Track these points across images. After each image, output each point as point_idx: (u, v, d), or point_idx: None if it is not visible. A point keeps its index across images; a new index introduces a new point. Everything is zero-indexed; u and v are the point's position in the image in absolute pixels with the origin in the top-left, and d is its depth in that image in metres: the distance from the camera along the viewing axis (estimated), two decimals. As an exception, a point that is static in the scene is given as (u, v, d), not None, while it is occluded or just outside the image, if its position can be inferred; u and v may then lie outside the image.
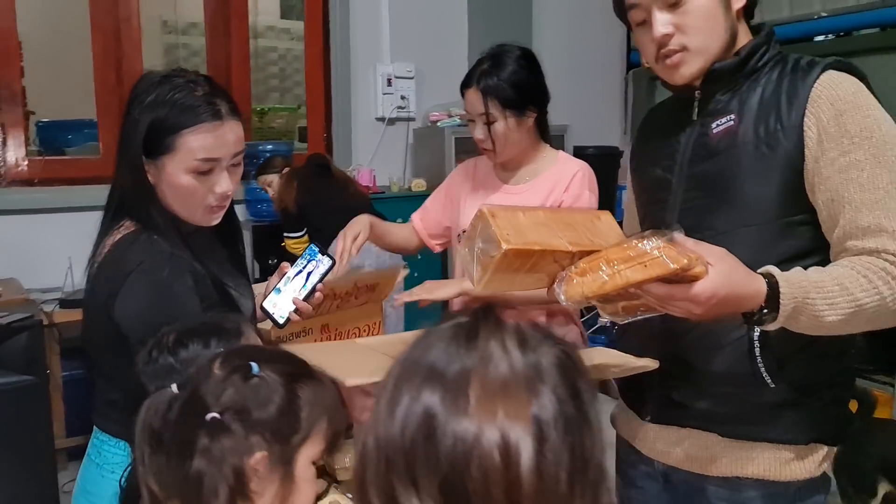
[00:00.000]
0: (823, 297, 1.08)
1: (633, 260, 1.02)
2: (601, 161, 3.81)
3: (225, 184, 1.31)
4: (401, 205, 3.88)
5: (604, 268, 1.04)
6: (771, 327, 1.10)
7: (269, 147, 3.80)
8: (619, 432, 1.46)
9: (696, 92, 1.28)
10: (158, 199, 1.30)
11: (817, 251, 1.20)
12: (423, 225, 2.09)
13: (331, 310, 1.65)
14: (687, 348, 1.27)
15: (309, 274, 1.46)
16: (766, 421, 1.24)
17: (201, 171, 1.28)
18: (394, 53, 4.24)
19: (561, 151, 1.96)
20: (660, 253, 1.01)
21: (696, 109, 1.29)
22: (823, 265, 1.15)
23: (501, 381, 0.57)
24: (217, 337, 1.05)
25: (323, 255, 1.46)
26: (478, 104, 1.82)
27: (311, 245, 1.49)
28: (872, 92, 1.19)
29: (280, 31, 7.06)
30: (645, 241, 1.03)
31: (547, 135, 1.95)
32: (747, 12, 1.27)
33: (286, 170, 3.48)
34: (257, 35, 7.05)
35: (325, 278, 1.46)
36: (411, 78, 4.26)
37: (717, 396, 1.26)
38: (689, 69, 1.24)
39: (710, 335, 1.24)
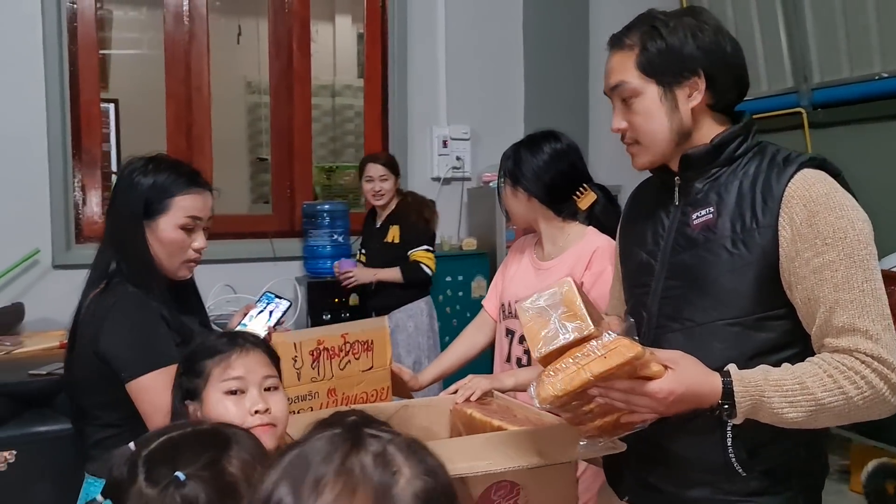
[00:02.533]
0: (782, 395, 1.12)
1: (591, 355, 1.09)
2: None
3: (201, 241, 1.63)
4: (451, 263, 3.98)
5: (570, 364, 1.11)
6: (735, 421, 1.15)
7: (327, 206, 3.96)
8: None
9: (676, 178, 1.33)
10: (151, 255, 1.57)
11: (794, 343, 1.22)
12: (490, 306, 2.17)
13: (332, 370, 1.74)
14: (663, 433, 1.29)
15: (271, 312, 1.71)
16: None
17: (188, 227, 1.59)
18: (450, 116, 4.38)
19: (590, 228, 1.97)
20: (616, 344, 1.08)
21: (677, 195, 1.33)
22: (801, 358, 1.18)
23: (349, 494, 0.61)
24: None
25: (280, 298, 1.71)
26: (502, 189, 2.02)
27: (267, 292, 1.75)
28: (847, 187, 1.22)
29: (357, 90, 7.34)
30: (602, 337, 1.11)
31: (576, 213, 2.00)
32: (721, 107, 1.30)
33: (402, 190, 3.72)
34: (335, 94, 7.36)
35: (284, 317, 1.72)
36: (467, 139, 4.38)
37: (690, 482, 1.28)
38: (640, 160, 1.34)
39: (686, 423, 1.26)
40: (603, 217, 1.96)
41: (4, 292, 3.48)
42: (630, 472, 1.38)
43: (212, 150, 3.96)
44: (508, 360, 1.99)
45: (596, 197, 1.94)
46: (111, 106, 6.39)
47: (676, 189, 1.33)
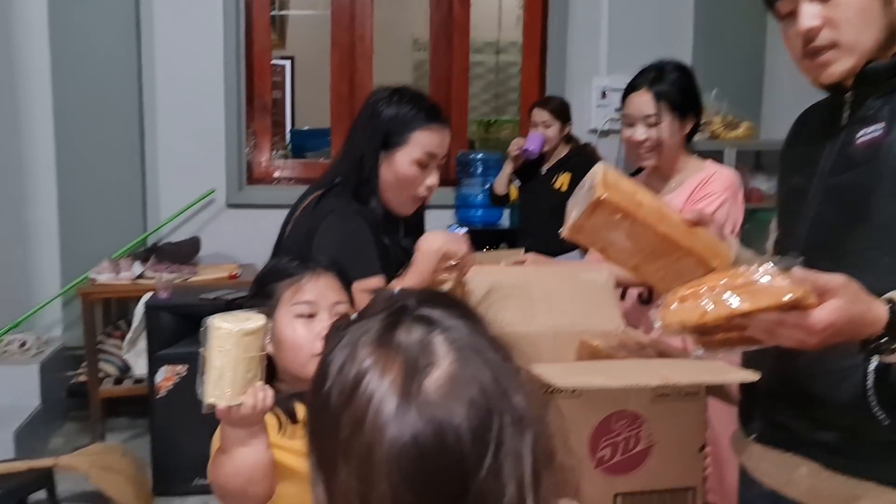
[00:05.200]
0: None
1: (739, 288, 0.98)
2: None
3: (434, 178, 1.62)
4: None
5: (706, 295, 1.00)
6: (890, 359, 1.01)
7: (481, 155, 3.98)
8: (732, 447, 1.39)
9: (847, 94, 1.18)
10: (378, 185, 1.61)
11: None
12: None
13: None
14: (798, 369, 1.18)
15: None
16: (875, 459, 1.12)
17: (423, 163, 1.59)
18: (611, 66, 4.22)
19: (709, 160, 1.95)
20: (771, 282, 0.95)
21: (847, 114, 1.18)
22: None
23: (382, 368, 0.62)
24: None
25: (459, 228, 1.81)
26: (647, 106, 1.90)
27: (453, 225, 1.70)
28: None
29: (522, 48, 7.29)
30: (754, 269, 0.98)
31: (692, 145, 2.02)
32: None
33: (574, 142, 3.62)
34: (499, 50, 7.35)
35: None
36: (628, 90, 4.22)
37: (823, 425, 1.16)
38: (837, 68, 1.14)
39: (824, 360, 1.14)
40: None
41: (183, 228, 3.82)
42: (759, 409, 1.28)
43: (373, 99, 4.09)
44: (623, 299, 1.96)
45: None
46: (287, 62, 6.77)
47: (847, 107, 1.18)
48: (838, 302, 0.96)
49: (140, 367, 3.33)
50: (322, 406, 0.63)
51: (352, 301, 1.34)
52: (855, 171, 1.14)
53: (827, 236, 1.16)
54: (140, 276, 3.39)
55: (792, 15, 1.15)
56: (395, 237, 1.65)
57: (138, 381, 3.36)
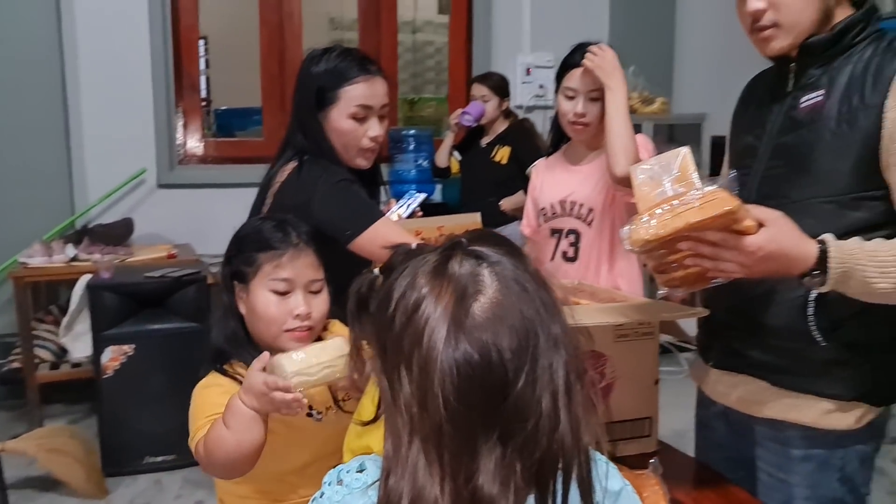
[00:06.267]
0: (876, 265, 1.14)
1: (688, 204, 1.11)
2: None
3: (376, 129, 1.66)
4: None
5: (664, 210, 1.13)
6: (822, 289, 1.17)
7: (413, 131, 4.07)
8: (693, 377, 1.58)
9: (792, 64, 1.35)
10: (331, 145, 1.66)
11: (887, 225, 1.24)
12: (530, 231, 2.34)
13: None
14: (749, 302, 1.36)
15: (409, 206, 1.87)
16: (813, 375, 1.32)
17: (358, 116, 1.64)
18: (534, 43, 4.38)
19: None
20: (713, 197, 1.10)
21: (791, 82, 1.35)
22: (890, 238, 1.19)
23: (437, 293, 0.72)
24: None
25: (419, 192, 1.90)
26: (589, 81, 2.01)
27: (411, 190, 1.91)
28: None
29: (438, 26, 7.37)
30: (700, 190, 1.12)
31: None
32: None
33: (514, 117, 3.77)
34: (416, 30, 7.40)
35: (419, 208, 1.89)
36: (550, 67, 4.38)
37: (771, 348, 1.35)
38: (778, 43, 1.32)
39: (772, 292, 1.33)
40: None
41: (115, 209, 3.75)
42: (716, 339, 1.47)
43: (302, 77, 4.11)
44: (553, 258, 2.15)
45: None
46: (202, 42, 6.63)
47: (791, 76, 1.35)
48: (771, 230, 1.13)
49: (78, 350, 3.28)
50: (387, 325, 0.74)
51: (327, 275, 1.37)
52: (798, 131, 1.31)
53: (774, 188, 1.33)
54: (74, 259, 3.34)
55: None
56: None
57: (76, 365, 3.31)
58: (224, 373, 1.31)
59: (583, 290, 1.66)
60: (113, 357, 2.85)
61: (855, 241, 1.18)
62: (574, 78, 2.05)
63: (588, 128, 2.06)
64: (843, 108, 1.25)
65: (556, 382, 0.72)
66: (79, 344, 3.27)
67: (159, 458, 2.92)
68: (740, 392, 1.43)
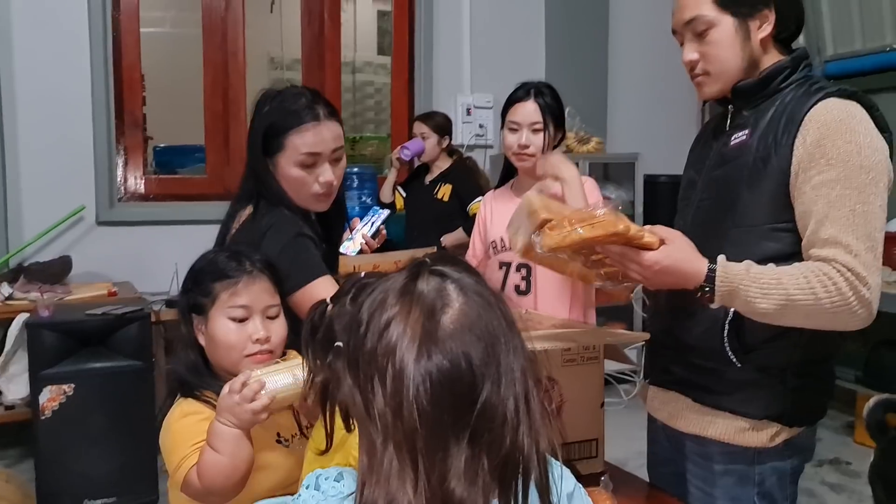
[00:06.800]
0: (758, 287, 1.26)
1: (585, 221, 1.27)
2: (673, 189, 3.93)
3: (328, 174, 1.62)
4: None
5: (566, 226, 1.28)
6: (713, 305, 1.30)
7: (356, 169, 4.13)
8: (640, 395, 1.69)
9: (729, 106, 1.48)
10: (281, 186, 1.63)
11: (798, 255, 1.34)
12: (476, 263, 2.36)
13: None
14: (676, 322, 1.47)
15: (372, 224, 1.92)
16: (727, 393, 1.42)
17: (307, 164, 1.60)
18: (474, 85, 4.53)
19: None
20: (605, 217, 1.26)
21: (728, 122, 1.48)
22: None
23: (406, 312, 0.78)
24: None
25: (383, 209, 1.95)
26: (534, 115, 2.15)
27: (375, 207, 1.95)
28: (882, 121, 1.33)
29: (377, 67, 7.50)
30: (596, 211, 1.28)
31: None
32: (782, 38, 1.43)
33: (457, 155, 3.88)
34: (355, 70, 7.50)
35: (383, 225, 1.97)
36: (490, 108, 4.53)
37: (694, 367, 1.46)
38: (709, 89, 1.45)
39: (694, 314, 1.43)
40: None
41: (52, 246, 3.68)
42: (654, 358, 1.58)
43: (246, 115, 4.13)
44: (503, 290, 2.20)
45: None
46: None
47: (729, 116, 1.48)
48: (669, 248, 1.28)
49: (13, 392, 3.18)
50: (360, 343, 0.79)
51: (285, 305, 1.42)
52: (725, 167, 1.44)
53: (702, 218, 1.46)
54: (9, 298, 3.25)
55: (683, 45, 1.46)
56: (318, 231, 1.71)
57: (9, 407, 3.21)
58: (198, 398, 1.32)
59: (530, 319, 1.73)
60: (51, 397, 2.78)
61: (745, 264, 1.29)
62: (517, 112, 2.17)
63: (532, 158, 2.17)
64: (761, 146, 1.37)
65: (516, 387, 0.79)
66: (13, 385, 3.17)
67: (99, 501, 2.84)
68: (670, 408, 1.54)
